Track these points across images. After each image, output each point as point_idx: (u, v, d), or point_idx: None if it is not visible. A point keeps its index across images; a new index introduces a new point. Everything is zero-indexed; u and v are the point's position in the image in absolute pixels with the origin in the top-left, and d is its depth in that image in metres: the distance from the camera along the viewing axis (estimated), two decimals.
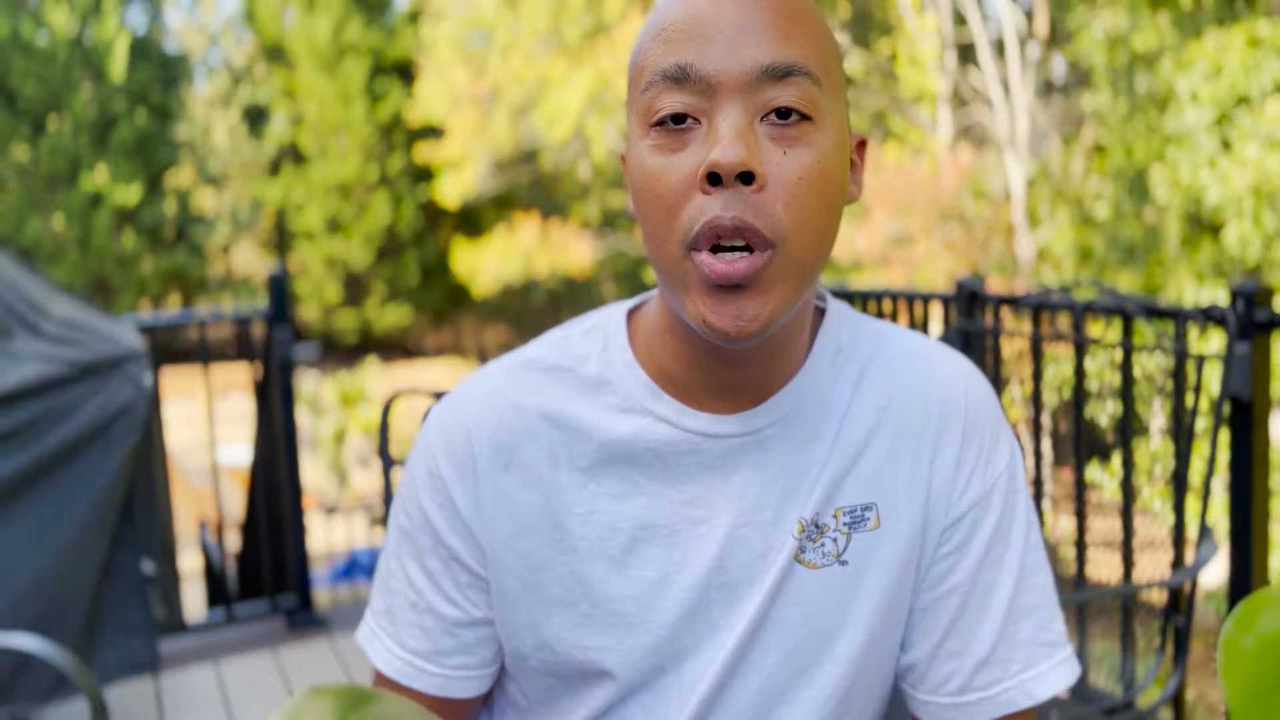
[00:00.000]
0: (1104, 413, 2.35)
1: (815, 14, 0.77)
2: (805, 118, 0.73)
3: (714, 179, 0.71)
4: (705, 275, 0.72)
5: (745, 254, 0.71)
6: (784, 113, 0.72)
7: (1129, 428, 2.16)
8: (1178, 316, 2.02)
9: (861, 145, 0.82)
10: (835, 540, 0.82)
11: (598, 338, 0.87)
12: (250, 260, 24.65)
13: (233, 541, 4.18)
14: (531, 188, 20.26)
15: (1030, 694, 0.83)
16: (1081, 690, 2.23)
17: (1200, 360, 1.93)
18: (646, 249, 0.77)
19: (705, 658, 0.83)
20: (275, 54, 22.67)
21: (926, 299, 2.94)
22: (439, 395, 1.31)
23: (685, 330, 0.80)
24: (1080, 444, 2.31)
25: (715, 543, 0.82)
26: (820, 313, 0.88)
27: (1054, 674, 0.84)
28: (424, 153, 19.09)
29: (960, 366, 0.88)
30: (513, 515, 0.84)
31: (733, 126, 0.71)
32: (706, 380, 0.82)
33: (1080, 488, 2.32)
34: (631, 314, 0.89)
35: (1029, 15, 13.94)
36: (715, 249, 0.72)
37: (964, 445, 0.84)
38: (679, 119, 0.73)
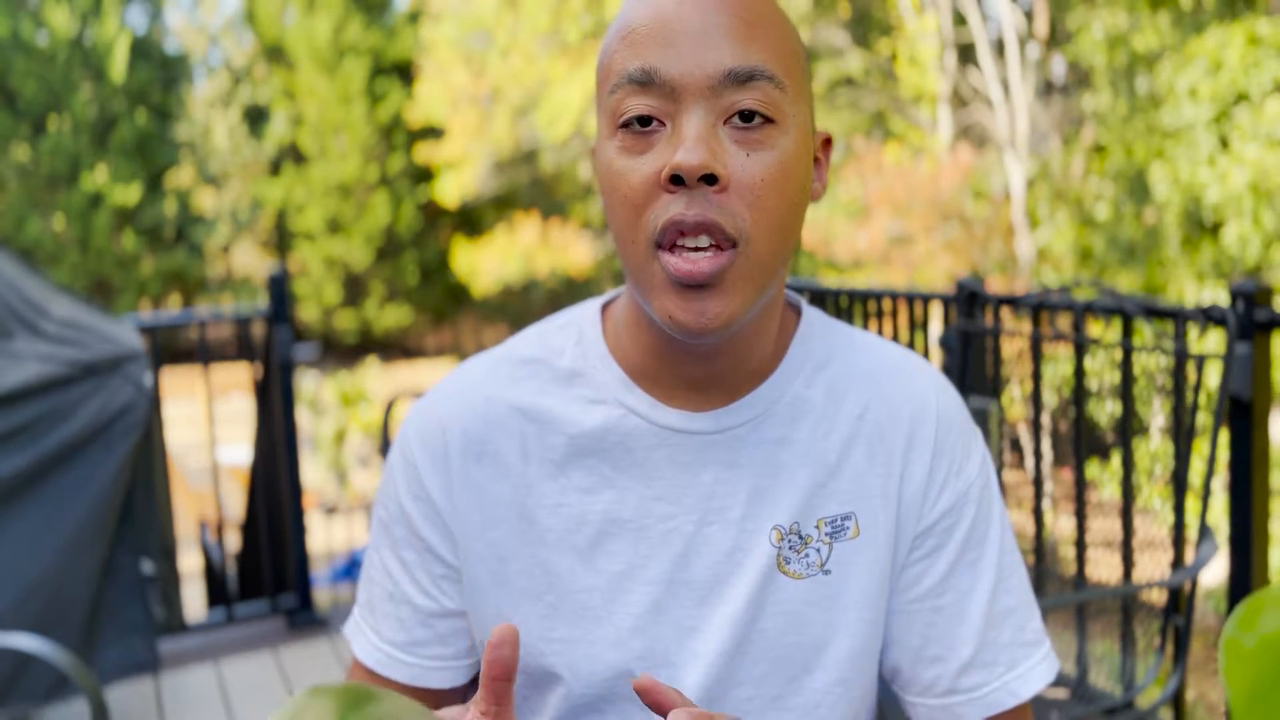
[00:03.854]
0: (1104, 412, 2.35)
1: (779, 16, 0.78)
2: (768, 120, 0.74)
3: (677, 180, 0.72)
4: (670, 273, 0.73)
5: (708, 253, 0.73)
6: (747, 116, 0.74)
7: (1129, 427, 2.16)
8: (1178, 316, 2.02)
9: (827, 142, 0.84)
10: (819, 550, 0.84)
11: (573, 332, 0.89)
12: (250, 260, 24.64)
13: (233, 541, 4.19)
14: (531, 188, 20.25)
15: (1015, 693, 0.86)
16: (1081, 690, 2.23)
17: (1200, 360, 1.93)
18: (616, 247, 0.79)
19: (679, 663, 0.83)
20: (275, 54, 22.67)
21: (926, 299, 2.94)
22: None
23: (652, 324, 0.82)
24: (1080, 444, 2.31)
25: (681, 539, 0.83)
26: (796, 317, 0.89)
27: (1035, 672, 0.86)
28: (424, 153, 19.08)
29: (932, 378, 0.90)
30: (483, 505, 0.86)
31: (696, 130, 0.72)
32: (675, 374, 0.83)
33: (1080, 487, 2.32)
34: (605, 308, 0.90)
35: (1029, 15, 13.94)
36: (677, 247, 0.73)
37: (935, 456, 0.86)
38: (645, 121, 0.74)
